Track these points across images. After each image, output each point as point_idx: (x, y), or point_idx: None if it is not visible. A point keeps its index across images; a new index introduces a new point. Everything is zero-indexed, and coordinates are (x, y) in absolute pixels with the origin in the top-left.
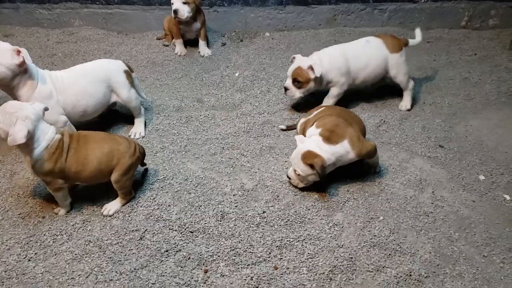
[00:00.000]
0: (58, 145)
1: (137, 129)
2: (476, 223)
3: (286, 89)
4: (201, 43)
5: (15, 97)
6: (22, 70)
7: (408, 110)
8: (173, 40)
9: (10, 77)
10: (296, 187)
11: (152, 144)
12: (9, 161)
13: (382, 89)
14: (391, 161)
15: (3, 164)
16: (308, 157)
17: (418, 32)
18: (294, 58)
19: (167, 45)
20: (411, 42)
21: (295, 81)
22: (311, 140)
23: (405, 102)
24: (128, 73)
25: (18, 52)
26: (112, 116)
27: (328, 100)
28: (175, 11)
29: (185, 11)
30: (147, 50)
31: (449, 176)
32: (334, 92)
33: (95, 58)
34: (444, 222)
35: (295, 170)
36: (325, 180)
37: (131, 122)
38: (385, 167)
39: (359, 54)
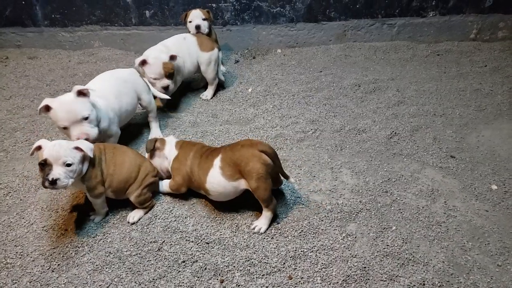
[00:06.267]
0: (96, 154)
1: (155, 133)
2: (490, 232)
3: (167, 88)
4: None
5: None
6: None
7: (208, 99)
8: None
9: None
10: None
11: None
12: (34, 176)
13: (392, 102)
14: (403, 172)
15: (28, 179)
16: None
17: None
18: (145, 61)
19: None
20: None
21: (170, 75)
22: (171, 140)
23: (208, 92)
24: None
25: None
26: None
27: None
28: (198, 27)
29: (205, 27)
30: None
31: (461, 186)
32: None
33: None
34: (457, 231)
35: None
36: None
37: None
38: (397, 178)
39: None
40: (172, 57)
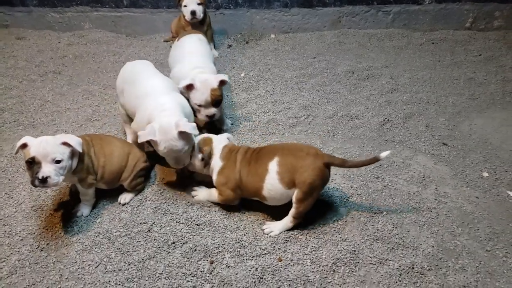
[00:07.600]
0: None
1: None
2: (480, 218)
3: (212, 117)
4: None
5: None
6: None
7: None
8: None
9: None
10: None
11: None
12: (22, 157)
13: (385, 89)
14: (395, 158)
15: (17, 159)
16: (205, 141)
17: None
18: (192, 85)
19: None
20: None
21: (217, 103)
22: (223, 139)
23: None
24: None
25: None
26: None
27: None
28: (193, 12)
29: (201, 12)
30: (155, 52)
31: (453, 173)
32: None
33: (104, 60)
34: (447, 217)
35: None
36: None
37: None
38: (389, 164)
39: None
40: (223, 82)
